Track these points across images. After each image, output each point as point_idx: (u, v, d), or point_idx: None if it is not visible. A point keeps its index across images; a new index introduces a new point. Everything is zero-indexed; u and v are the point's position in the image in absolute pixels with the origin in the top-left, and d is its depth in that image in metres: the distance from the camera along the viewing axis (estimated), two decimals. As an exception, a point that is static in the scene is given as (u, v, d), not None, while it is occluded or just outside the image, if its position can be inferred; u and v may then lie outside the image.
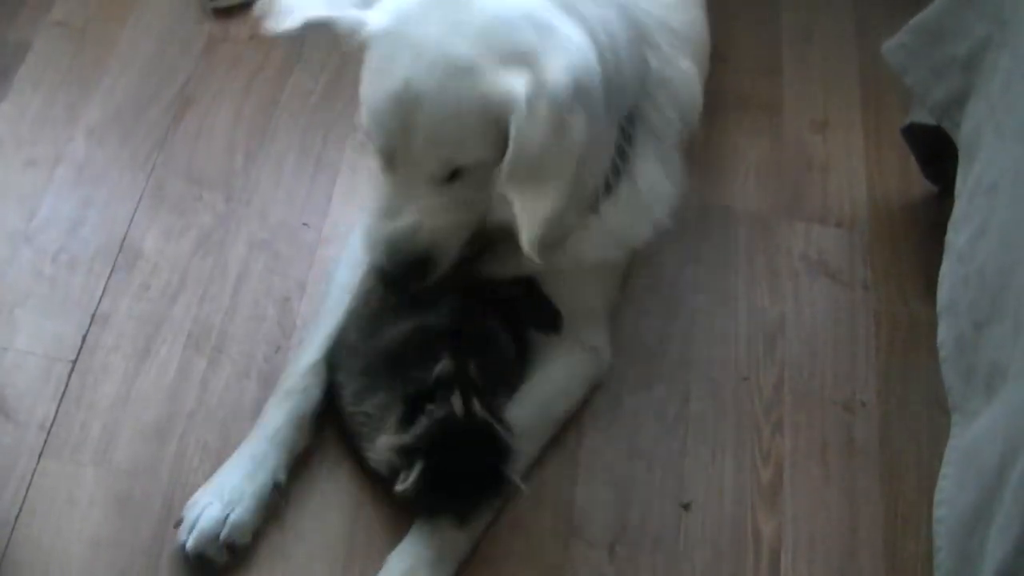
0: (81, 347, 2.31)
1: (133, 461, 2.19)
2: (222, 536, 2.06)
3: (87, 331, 2.33)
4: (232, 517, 2.07)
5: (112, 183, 2.56)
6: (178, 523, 2.08)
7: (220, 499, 2.09)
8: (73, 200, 2.52)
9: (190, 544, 2.05)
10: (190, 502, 2.10)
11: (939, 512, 1.82)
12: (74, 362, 2.29)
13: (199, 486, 2.14)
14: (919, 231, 2.60)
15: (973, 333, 1.85)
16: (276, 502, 2.14)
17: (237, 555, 2.08)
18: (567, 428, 2.30)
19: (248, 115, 2.70)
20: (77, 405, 2.24)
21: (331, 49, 2.72)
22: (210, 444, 2.22)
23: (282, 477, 2.15)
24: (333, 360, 2.22)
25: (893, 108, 2.74)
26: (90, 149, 2.61)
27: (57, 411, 2.23)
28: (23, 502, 2.12)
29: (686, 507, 2.24)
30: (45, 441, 2.19)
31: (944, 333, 1.95)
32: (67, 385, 2.26)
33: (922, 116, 2.42)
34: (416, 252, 2.09)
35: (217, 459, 2.18)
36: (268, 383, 2.27)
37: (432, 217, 2.07)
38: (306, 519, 2.15)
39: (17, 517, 2.11)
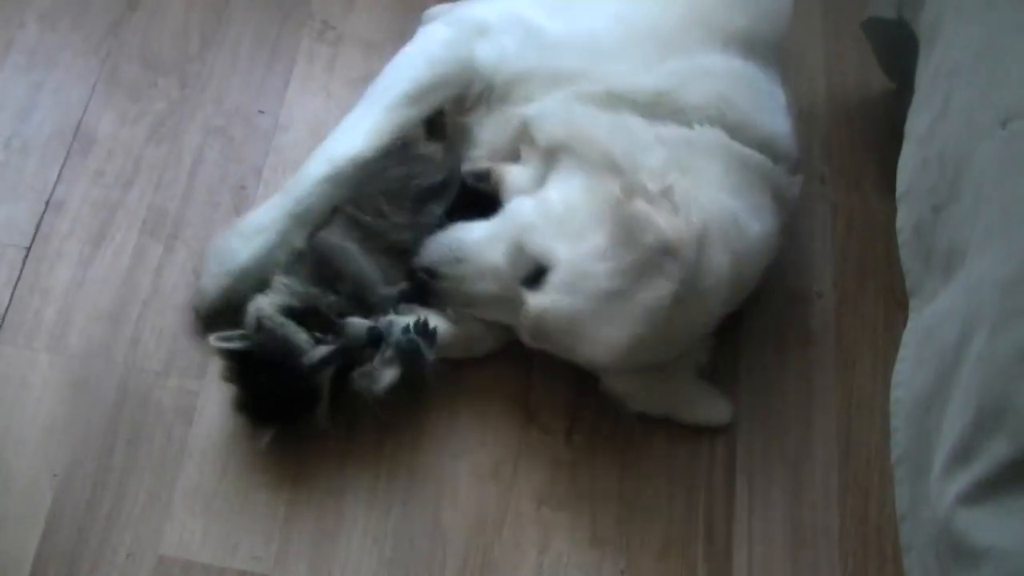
0: (35, 233, 2.29)
1: (87, 346, 2.19)
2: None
3: (41, 217, 2.31)
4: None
5: (65, 68, 2.52)
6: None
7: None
8: (25, 85, 2.48)
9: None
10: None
11: (896, 393, 1.83)
12: (28, 248, 2.27)
13: (154, 371, 2.16)
14: (877, 126, 2.61)
15: (932, 216, 1.85)
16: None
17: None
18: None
19: (203, 0, 2.65)
20: (31, 291, 2.23)
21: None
22: (165, 330, 2.21)
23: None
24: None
25: (852, 1, 2.72)
26: (42, 34, 2.56)
27: (11, 297, 2.22)
28: (-23, 388, 2.13)
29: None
30: (-1, 326, 2.19)
31: (903, 218, 1.96)
32: (21, 271, 2.25)
33: (882, 9, 2.41)
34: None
35: (172, 344, 2.19)
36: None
37: None
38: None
39: (-28, 402, 2.11)
